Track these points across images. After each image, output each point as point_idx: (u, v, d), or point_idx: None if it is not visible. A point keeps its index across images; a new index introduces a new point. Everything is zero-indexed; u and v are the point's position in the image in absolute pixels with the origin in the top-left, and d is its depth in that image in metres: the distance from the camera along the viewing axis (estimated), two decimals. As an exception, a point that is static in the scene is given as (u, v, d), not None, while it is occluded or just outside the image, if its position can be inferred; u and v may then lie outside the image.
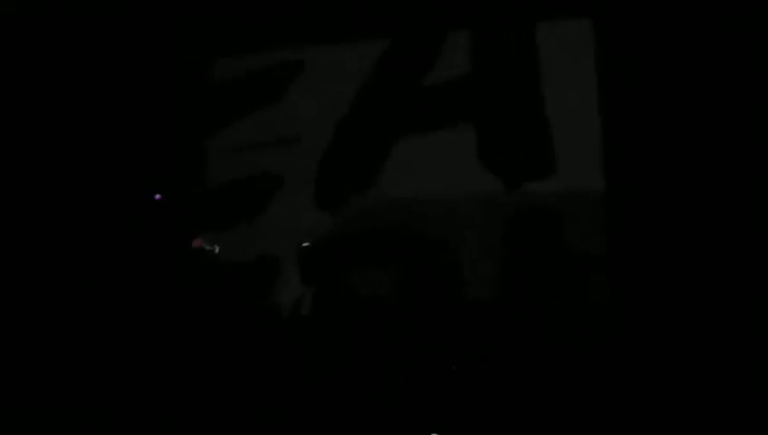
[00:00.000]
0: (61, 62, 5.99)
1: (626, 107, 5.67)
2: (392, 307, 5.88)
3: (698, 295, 5.16)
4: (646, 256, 5.46)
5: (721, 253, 5.11)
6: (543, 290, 5.82)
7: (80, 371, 5.27)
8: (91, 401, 5.11)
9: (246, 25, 6.34)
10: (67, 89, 6.04)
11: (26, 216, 5.96)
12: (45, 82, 6.03)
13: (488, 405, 5.17)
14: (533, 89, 6.03)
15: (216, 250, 5.38)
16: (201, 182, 6.42)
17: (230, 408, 5.00)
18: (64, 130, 6.04)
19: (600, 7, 5.77)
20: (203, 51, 6.44)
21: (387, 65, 6.31)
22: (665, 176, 5.46)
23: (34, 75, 5.99)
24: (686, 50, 5.45)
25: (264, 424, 4.84)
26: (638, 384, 5.17)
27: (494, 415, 5.14)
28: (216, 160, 6.50)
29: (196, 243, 5.38)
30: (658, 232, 5.44)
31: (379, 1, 6.12)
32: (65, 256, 5.81)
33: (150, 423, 4.94)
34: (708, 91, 5.31)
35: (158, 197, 6.17)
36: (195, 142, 6.43)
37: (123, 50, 6.17)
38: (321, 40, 6.34)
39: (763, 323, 4.89)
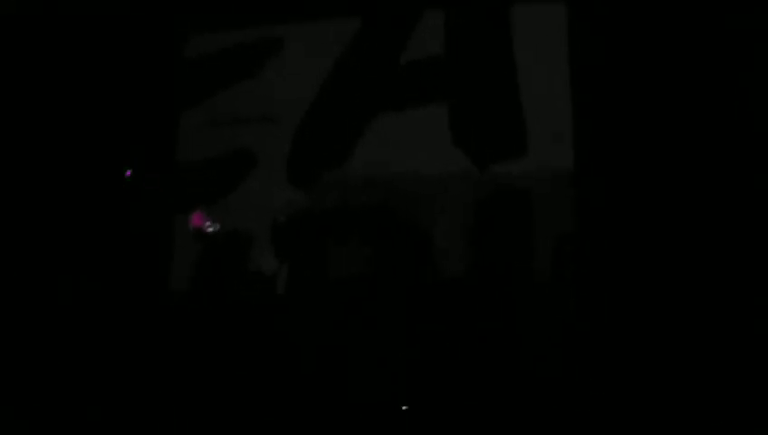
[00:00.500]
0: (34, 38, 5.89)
1: (597, 89, 5.79)
2: (366, 284, 5.94)
3: (670, 278, 5.30)
4: (617, 236, 5.58)
5: (692, 234, 5.27)
6: (515, 270, 5.94)
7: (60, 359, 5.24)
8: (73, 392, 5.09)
9: (221, 1, 6.29)
10: (36, 66, 5.94)
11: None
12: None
13: (457, 385, 5.25)
14: (506, 70, 6.11)
15: (218, 228, 5.28)
16: (173, 158, 6.37)
17: (208, 391, 5.02)
18: (33, 108, 5.95)
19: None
20: (177, 25, 6.37)
21: (362, 43, 6.34)
22: (635, 157, 5.59)
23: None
24: (657, 34, 5.59)
25: (243, 405, 4.88)
26: (611, 365, 5.29)
27: (462, 395, 5.22)
28: (189, 137, 6.46)
29: (195, 220, 5.26)
30: (629, 212, 5.56)
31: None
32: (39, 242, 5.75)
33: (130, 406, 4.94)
34: (679, 74, 5.45)
35: (128, 173, 6.10)
36: (168, 118, 6.37)
37: (95, 24, 6.08)
38: (297, 17, 6.34)
39: (740, 302, 5.03)
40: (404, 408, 4.92)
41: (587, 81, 5.81)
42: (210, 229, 5.27)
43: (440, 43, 6.21)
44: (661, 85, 5.55)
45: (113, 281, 5.62)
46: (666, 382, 5.09)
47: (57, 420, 4.88)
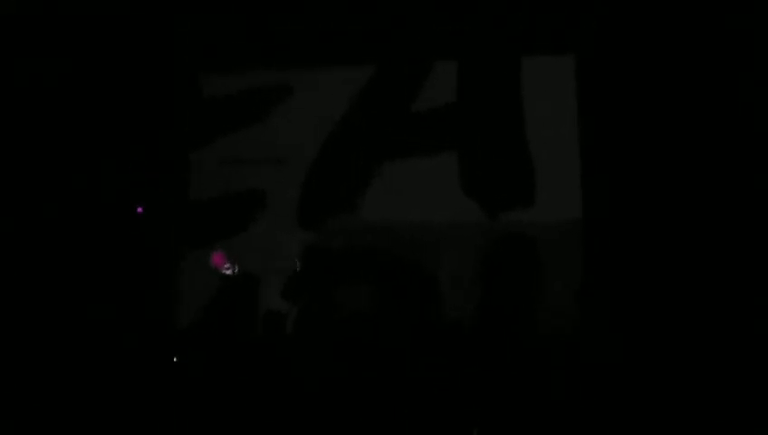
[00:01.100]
0: (52, 70, 5.99)
1: (605, 141, 5.90)
2: (371, 327, 5.95)
3: (674, 329, 5.33)
4: (621, 287, 5.62)
5: (698, 286, 5.32)
6: (519, 317, 5.96)
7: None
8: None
9: (236, 45, 6.43)
10: (58, 99, 6.04)
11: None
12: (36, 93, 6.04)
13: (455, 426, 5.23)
14: (516, 121, 6.24)
15: (236, 270, 5.28)
16: (185, 196, 6.43)
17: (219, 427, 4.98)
18: (54, 142, 6.03)
19: (583, 45, 6.01)
20: (193, 67, 6.49)
21: (373, 91, 6.46)
22: (642, 208, 5.66)
23: (34, 89, 5.99)
24: (665, 89, 5.72)
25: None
26: (613, 408, 5.28)
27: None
28: (200, 175, 6.54)
29: (216, 259, 5.25)
30: (634, 263, 5.61)
31: (368, 27, 6.27)
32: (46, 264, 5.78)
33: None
34: (686, 128, 5.57)
35: (139, 210, 6.14)
36: (180, 156, 6.46)
37: (115, 63, 6.19)
38: (309, 63, 6.47)
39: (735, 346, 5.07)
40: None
41: (596, 130, 5.92)
42: (228, 271, 5.31)
43: (451, 92, 6.35)
44: (670, 136, 5.66)
45: (121, 317, 5.61)
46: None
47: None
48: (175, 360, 5.64)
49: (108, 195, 6.00)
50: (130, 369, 5.52)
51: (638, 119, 5.77)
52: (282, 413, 4.86)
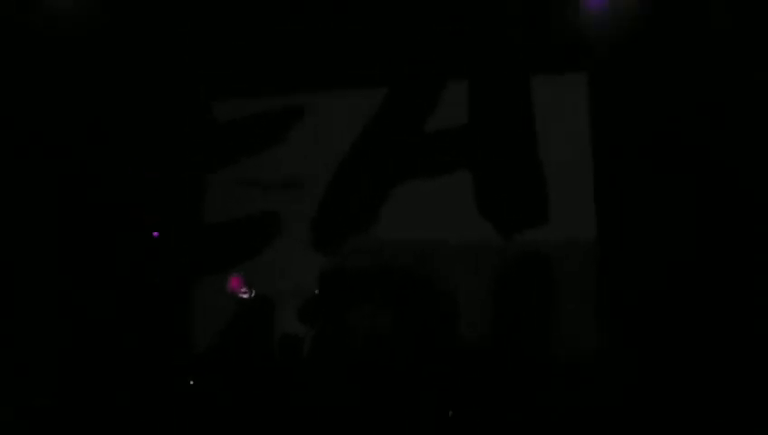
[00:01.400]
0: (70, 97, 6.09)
1: (618, 158, 5.87)
2: (388, 347, 5.96)
3: (691, 347, 5.30)
4: (635, 305, 5.59)
5: (713, 307, 5.29)
6: (534, 335, 5.94)
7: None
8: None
9: (250, 69, 6.48)
10: (75, 126, 6.14)
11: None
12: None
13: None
14: (529, 139, 6.22)
15: (252, 295, 5.31)
16: (200, 220, 6.48)
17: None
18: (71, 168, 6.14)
19: (595, 62, 5.99)
20: (206, 91, 6.56)
21: (387, 112, 6.49)
22: (656, 227, 5.63)
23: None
24: (679, 103, 5.68)
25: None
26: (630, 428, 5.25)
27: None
28: (215, 199, 6.58)
29: (233, 283, 5.28)
30: (649, 281, 5.57)
31: (381, 49, 6.30)
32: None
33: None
34: (702, 145, 5.53)
35: (155, 234, 6.19)
36: (195, 180, 6.51)
37: (130, 89, 6.27)
38: (322, 86, 6.51)
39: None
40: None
41: (609, 148, 5.90)
42: (245, 295, 5.34)
43: (463, 112, 6.37)
44: (685, 153, 5.62)
45: (137, 341, 5.64)
46: None
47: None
48: (191, 383, 5.66)
49: (124, 220, 6.06)
50: (148, 392, 5.55)
51: (652, 135, 5.73)
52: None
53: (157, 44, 6.38)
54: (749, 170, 5.39)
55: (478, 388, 5.52)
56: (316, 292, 5.23)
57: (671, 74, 5.66)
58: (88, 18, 6.09)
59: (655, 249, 5.62)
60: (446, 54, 6.30)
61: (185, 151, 6.48)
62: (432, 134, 6.39)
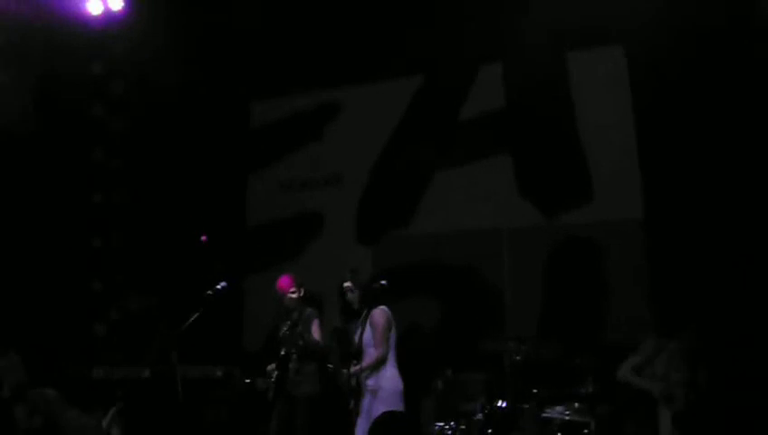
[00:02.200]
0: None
1: (663, 134, 5.63)
2: (435, 338, 5.95)
3: (742, 328, 5.08)
4: (685, 283, 5.38)
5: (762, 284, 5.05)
6: (582, 320, 5.79)
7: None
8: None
9: (283, 68, 6.51)
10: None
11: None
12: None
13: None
14: (568, 118, 6.07)
15: (301, 294, 5.37)
16: (244, 221, 6.57)
17: None
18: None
19: (632, 34, 5.75)
20: (243, 93, 6.62)
21: (421, 101, 6.43)
22: (704, 204, 5.38)
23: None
24: (722, 76, 5.40)
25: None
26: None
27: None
28: (257, 199, 6.66)
29: (283, 283, 5.35)
30: (698, 259, 5.35)
31: (411, 39, 6.21)
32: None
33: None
34: (748, 117, 5.25)
35: (203, 238, 6.28)
36: (237, 182, 6.59)
37: (172, 97, 6.38)
38: (356, 80, 6.49)
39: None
40: None
41: (651, 122, 5.68)
42: (294, 295, 5.39)
43: (499, 95, 6.25)
44: (730, 124, 5.35)
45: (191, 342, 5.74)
46: None
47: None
48: (247, 381, 5.76)
49: (172, 225, 6.20)
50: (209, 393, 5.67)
51: (699, 112, 5.44)
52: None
53: (195, 48, 6.47)
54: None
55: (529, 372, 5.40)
56: (360, 284, 5.19)
57: (716, 44, 5.37)
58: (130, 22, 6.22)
59: (702, 228, 5.38)
60: (477, 37, 6.18)
61: (226, 154, 6.58)
62: (468, 120, 6.31)
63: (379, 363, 4.48)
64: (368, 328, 4.56)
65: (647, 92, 5.74)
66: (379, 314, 4.57)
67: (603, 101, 5.93)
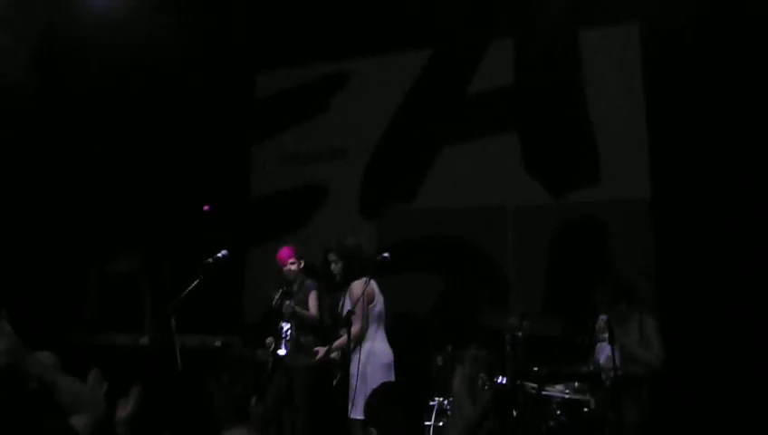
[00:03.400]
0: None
1: (673, 115, 5.55)
2: (437, 316, 5.90)
3: (749, 309, 5.03)
4: (692, 266, 5.32)
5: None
6: (587, 299, 5.73)
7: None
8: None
9: (290, 39, 6.43)
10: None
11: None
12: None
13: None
14: (578, 96, 5.98)
15: (301, 265, 5.35)
16: (248, 192, 6.51)
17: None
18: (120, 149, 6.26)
19: (646, 13, 5.66)
20: (248, 63, 6.54)
21: (430, 75, 6.35)
22: (713, 187, 5.31)
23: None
24: (737, 58, 5.31)
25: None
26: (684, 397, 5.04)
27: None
28: (261, 171, 6.60)
29: (283, 254, 5.32)
30: (705, 243, 5.29)
31: (421, 11, 6.12)
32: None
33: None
34: (761, 101, 5.17)
35: (206, 207, 6.23)
36: (241, 153, 6.53)
37: (176, 68, 6.31)
38: (364, 52, 6.41)
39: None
40: None
41: (662, 103, 5.60)
42: (293, 266, 5.36)
43: (509, 71, 6.17)
44: (742, 108, 5.26)
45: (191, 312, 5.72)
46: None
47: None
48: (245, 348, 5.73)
49: (175, 195, 6.15)
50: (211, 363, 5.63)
51: (711, 94, 5.36)
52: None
53: (201, 17, 6.38)
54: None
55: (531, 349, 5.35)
56: (365, 257, 5.12)
57: (732, 28, 5.27)
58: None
59: (710, 209, 5.31)
60: (489, 12, 6.09)
61: (231, 125, 6.51)
62: (477, 95, 6.23)
63: (357, 340, 4.33)
64: (347, 300, 4.46)
65: (659, 73, 5.66)
66: (357, 286, 4.45)
67: (614, 81, 5.84)
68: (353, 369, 4.24)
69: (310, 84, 6.62)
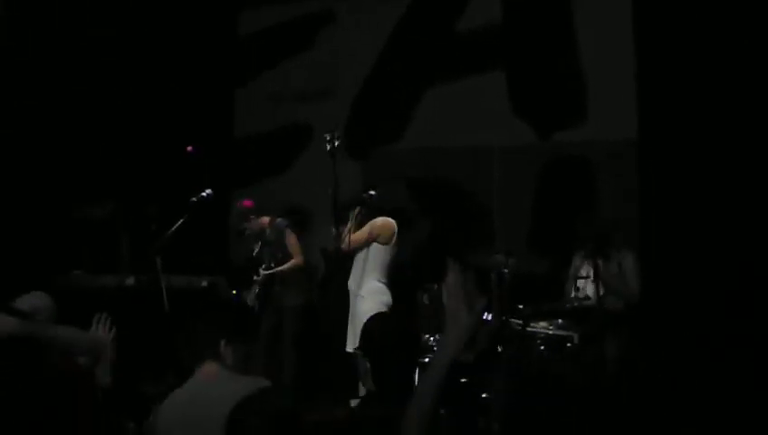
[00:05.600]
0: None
1: (663, 55, 5.51)
2: (423, 257, 5.91)
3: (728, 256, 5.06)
4: (677, 210, 5.34)
5: (751, 211, 5.01)
6: (571, 241, 5.75)
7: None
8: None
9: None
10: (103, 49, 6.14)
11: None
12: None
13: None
14: (566, 36, 5.92)
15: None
16: (231, 133, 6.45)
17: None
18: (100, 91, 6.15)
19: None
20: (231, 1, 6.42)
21: (416, 12, 6.25)
22: (700, 128, 5.30)
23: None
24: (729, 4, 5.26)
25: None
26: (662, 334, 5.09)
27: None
28: (245, 111, 6.53)
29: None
30: (690, 183, 5.30)
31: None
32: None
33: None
34: (750, 46, 5.12)
35: (189, 148, 6.17)
36: (225, 93, 6.44)
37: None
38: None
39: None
40: None
41: (650, 43, 5.54)
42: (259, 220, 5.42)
43: (497, 9, 6.08)
44: (732, 53, 5.20)
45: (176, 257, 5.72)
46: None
47: None
48: (234, 292, 5.75)
49: (158, 136, 6.08)
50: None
51: (701, 37, 5.30)
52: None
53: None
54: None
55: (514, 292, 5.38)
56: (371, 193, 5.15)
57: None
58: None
59: (697, 150, 5.31)
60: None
61: (213, 65, 6.41)
62: (464, 34, 6.15)
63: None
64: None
65: (649, 12, 5.60)
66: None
67: (604, 21, 5.77)
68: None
69: (295, 22, 6.51)
